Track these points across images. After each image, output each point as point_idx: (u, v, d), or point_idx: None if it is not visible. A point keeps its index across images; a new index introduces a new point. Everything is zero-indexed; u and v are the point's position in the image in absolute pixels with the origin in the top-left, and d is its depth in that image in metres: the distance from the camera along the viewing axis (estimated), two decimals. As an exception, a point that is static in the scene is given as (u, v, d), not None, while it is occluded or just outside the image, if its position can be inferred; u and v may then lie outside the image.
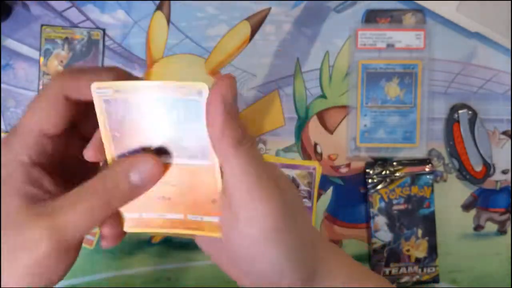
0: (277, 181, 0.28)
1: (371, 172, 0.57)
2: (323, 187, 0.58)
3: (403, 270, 0.57)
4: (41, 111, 0.29)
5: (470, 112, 0.57)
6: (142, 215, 0.30)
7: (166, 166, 0.28)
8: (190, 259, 0.57)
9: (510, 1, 0.57)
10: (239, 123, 0.27)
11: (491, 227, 0.59)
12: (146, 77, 0.57)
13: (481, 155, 0.57)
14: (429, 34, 0.57)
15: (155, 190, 0.29)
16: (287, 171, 0.57)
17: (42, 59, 0.57)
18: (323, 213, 0.58)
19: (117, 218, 0.30)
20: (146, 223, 0.30)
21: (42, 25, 0.57)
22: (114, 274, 0.57)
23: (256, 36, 0.57)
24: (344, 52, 0.58)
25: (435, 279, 0.58)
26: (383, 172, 0.57)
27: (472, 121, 0.57)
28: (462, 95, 0.58)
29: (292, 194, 0.29)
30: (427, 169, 0.57)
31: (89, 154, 0.29)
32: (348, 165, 0.58)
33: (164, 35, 0.57)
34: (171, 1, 0.57)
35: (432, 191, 0.57)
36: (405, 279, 0.57)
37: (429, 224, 0.57)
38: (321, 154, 0.58)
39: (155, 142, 0.28)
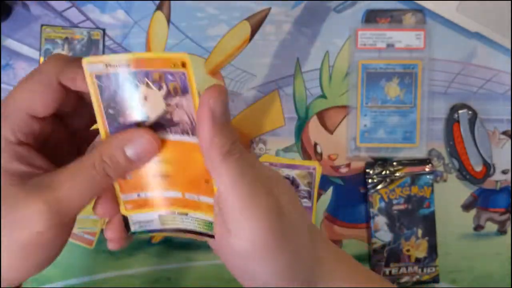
0: (271, 186, 0.28)
1: (371, 172, 0.57)
2: (323, 187, 0.58)
3: (403, 270, 0.57)
4: (32, 92, 0.28)
5: (470, 112, 0.57)
6: (140, 195, 0.30)
7: (161, 142, 0.28)
8: (190, 259, 0.57)
9: (510, 1, 0.57)
10: (228, 132, 0.26)
11: (491, 227, 0.59)
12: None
13: (481, 155, 0.57)
14: (429, 34, 0.57)
15: (151, 167, 0.29)
16: (287, 171, 0.57)
17: (42, 59, 0.57)
18: (323, 213, 0.58)
19: (120, 221, 0.30)
20: (144, 203, 0.30)
21: (42, 25, 0.57)
22: (114, 274, 0.57)
23: (256, 36, 0.57)
24: (344, 52, 0.58)
25: (435, 279, 0.58)
26: (383, 172, 0.57)
27: (472, 121, 0.57)
28: (462, 95, 0.58)
29: (288, 198, 0.29)
30: (427, 169, 0.57)
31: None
32: (348, 165, 0.58)
33: (164, 35, 0.57)
34: (171, 1, 0.57)
35: (432, 191, 0.57)
36: (405, 279, 0.57)
37: (429, 224, 0.57)
38: (321, 154, 0.58)
39: (148, 117, 0.28)
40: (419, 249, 0.57)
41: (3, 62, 0.57)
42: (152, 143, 0.28)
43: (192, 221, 0.30)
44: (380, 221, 0.57)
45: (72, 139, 0.32)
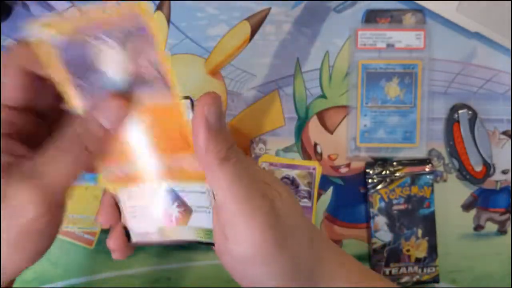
0: (267, 189, 0.28)
1: (371, 172, 0.57)
2: (323, 187, 0.58)
3: (403, 270, 0.57)
4: (3, 84, 0.28)
5: (470, 112, 0.57)
6: (123, 170, 0.30)
7: (135, 106, 0.28)
8: (190, 259, 0.57)
9: (510, 1, 0.57)
10: (224, 138, 0.27)
11: (491, 227, 0.59)
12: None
13: (481, 155, 0.57)
14: (429, 34, 0.57)
15: (132, 136, 0.28)
16: (287, 171, 0.57)
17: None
18: (323, 213, 0.58)
19: (121, 231, 0.31)
20: (129, 177, 0.30)
21: (42, 25, 0.57)
22: (114, 274, 0.57)
23: (256, 36, 0.57)
24: (344, 52, 0.58)
25: (435, 279, 0.58)
26: (383, 172, 0.57)
27: (472, 121, 0.57)
28: (462, 95, 0.58)
29: (285, 200, 0.29)
30: (427, 169, 0.57)
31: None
32: (348, 165, 0.58)
33: (164, 35, 0.57)
34: (171, 1, 0.57)
35: (432, 191, 0.57)
36: (405, 279, 0.57)
37: (429, 224, 0.57)
38: (321, 154, 0.58)
39: (117, 83, 0.27)
40: (419, 249, 0.57)
41: (3, 62, 0.57)
42: (122, 107, 0.27)
43: (192, 231, 0.30)
44: (380, 221, 0.57)
45: (40, 119, 0.31)
